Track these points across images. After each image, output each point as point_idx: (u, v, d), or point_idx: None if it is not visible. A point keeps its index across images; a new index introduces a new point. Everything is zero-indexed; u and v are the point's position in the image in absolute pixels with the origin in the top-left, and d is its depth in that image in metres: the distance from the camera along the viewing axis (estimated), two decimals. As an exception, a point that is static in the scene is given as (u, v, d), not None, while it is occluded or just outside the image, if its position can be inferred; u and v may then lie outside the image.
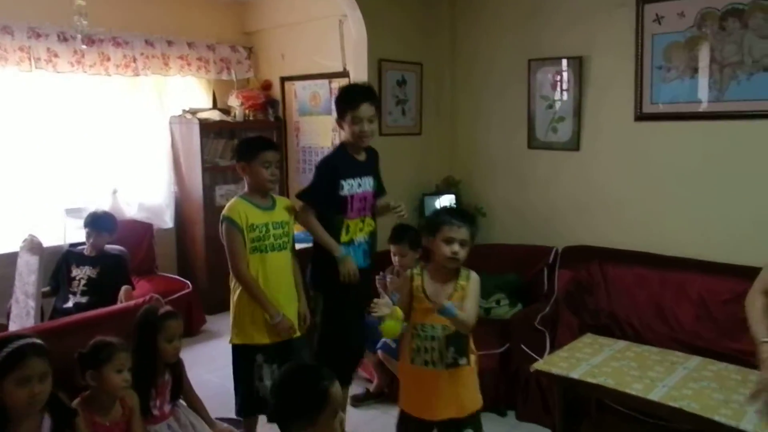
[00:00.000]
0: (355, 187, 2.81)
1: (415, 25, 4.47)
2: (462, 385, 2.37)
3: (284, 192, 5.63)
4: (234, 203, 2.74)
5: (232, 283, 2.78)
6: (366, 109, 2.75)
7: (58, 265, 3.98)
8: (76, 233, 4.47)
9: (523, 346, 3.32)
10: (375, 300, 2.37)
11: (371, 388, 3.59)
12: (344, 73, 5.07)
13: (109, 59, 4.92)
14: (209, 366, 3.98)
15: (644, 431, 2.80)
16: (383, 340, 3.34)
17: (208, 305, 4.96)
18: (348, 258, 2.76)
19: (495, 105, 4.44)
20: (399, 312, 2.34)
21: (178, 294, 4.58)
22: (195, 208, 5.35)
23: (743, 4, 3.27)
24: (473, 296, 2.37)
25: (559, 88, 4.08)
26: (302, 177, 5.64)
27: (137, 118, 5.26)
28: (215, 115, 5.43)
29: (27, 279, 3.57)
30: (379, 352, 3.42)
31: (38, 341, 2.00)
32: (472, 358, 2.41)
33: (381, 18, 4.21)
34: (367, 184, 2.87)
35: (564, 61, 4.01)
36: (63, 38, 4.62)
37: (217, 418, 2.78)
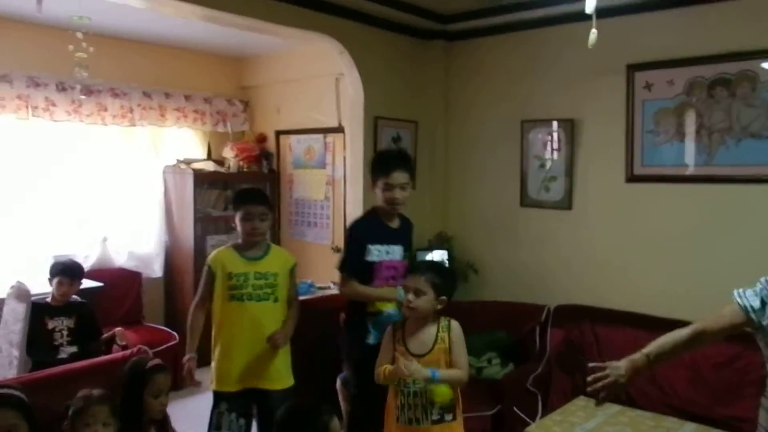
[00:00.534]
0: (383, 254, 2.75)
1: (411, 84, 4.57)
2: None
3: (275, 243, 5.60)
4: (218, 251, 2.88)
5: (213, 331, 2.84)
6: (398, 176, 2.72)
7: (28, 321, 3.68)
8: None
9: (515, 408, 3.26)
10: (404, 363, 2.27)
11: None
12: (339, 129, 5.14)
13: (106, 109, 4.97)
14: (195, 422, 3.86)
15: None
16: None
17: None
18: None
19: (488, 163, 4.50)
20: (420, 370, 2.27)
21: (165, 345, 4.49)
22: (185, 258, 5.31)
23: (730, 75, 3.39)
24: (461, 347, 2.35)
25: (551, 149, 4.15)
26: (294, 229, 5.64)
27: (131, 166, 5.28)
28: (209, 166, 5.47)
29: (12, 327, 3.49)
30: None
31: (15, 393, 1.94)
32: (459, 412, 2.37)
33: (377, 77, 4.31)
34: (396, 252, 2.79)
35: (555, 123, 4.10)
36: (61, 88, 4.68)
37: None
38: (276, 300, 2.81)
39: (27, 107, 4.53)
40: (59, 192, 4.89)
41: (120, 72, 5.05)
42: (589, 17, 2.58)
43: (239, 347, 2.76)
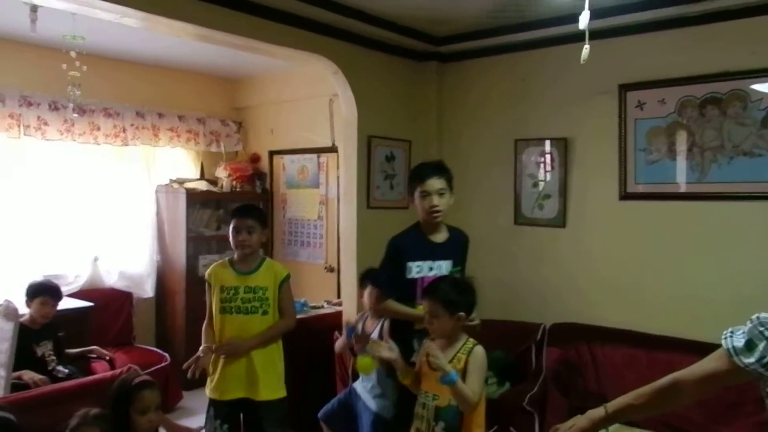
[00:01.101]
0: (426, 270, 2.65)
1: (404, 104, 4.59)
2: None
3: (268, 264, 5.59)
4: (215, 264, 3.00)
5: None
6: (434, 182, 2.66)
7: (16, 357, 3.49)
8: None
9: (511, 428, 3.23)
10: (373, 339, 2.31)
11: None
12: (333, 148, 5.14)
13: (99, 129, 4.96)
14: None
15: None
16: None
17: (186, 380, 4.75)
18: None
19: (482, 181, 4.51)
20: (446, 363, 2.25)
21: (155, 367, 4.42)
22: (177, 278, 5.27)
23: (721, 94, 3.42)
24: (477, 374, 2.29)
25: (544, 167, 4.16)
26: (288, 249, 5.61)
27: (124, 185, 5.25)
28: (202, 186, 5.45)
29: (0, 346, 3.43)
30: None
31: (4, 414, 1.90)
32: None
33: (371, 97, 4.32)
34: (442, 268, 2.68)
35: (549, 142, 4.12)
36: (54, 107, 4.67)
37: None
38: (265, 313, 2.88)
39: (19, 126, 4.52)
40: (50, 211, 4.85)
41: (113, 92, 5.05)
42: (581, 38, 2.60)
43: (226, 358, 2.85)
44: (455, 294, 2.39)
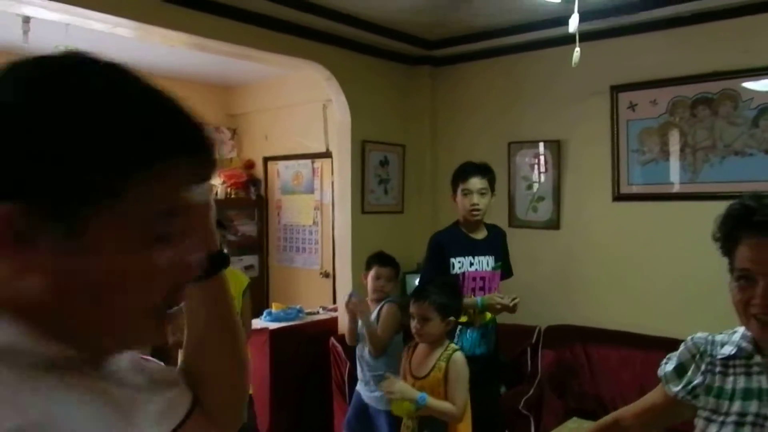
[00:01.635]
0: (467, 265, 2.75)
1: (398, 109, 4.60)
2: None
3: (264, 269, 5.58)
4: None
5: None
6: (476, 182, 2.77)
7: None
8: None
9: (507, 431, 3.23)
10: (387, 375, 2.31)
11: None
12: (327, 154, 5.15)
13: (93, 137, 4.96)
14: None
15: None
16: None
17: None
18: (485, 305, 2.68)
19: (475, 186, 4.52)
20: (408, 390, 2.26)
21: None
22: (172, 287, 5.26)
23: (712, 94, 3.44)
24: (459, 384, 2.26)
25: (538, 170, 4.18)
26: (283, 255, 5.61)
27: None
28: (197, 193, 5.45)
29: None
30: None
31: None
32: None
33: (364, 102, 4.34)
34: (484, 263, 2.78)
35: (542, 145, 4.13)
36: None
37: None
38: None
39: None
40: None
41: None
42: (572, 41, 2.63)
43: None
44: (446, 297, 2.40)
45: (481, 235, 2.85)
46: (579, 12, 2.50)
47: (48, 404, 0.51)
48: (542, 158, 4.15)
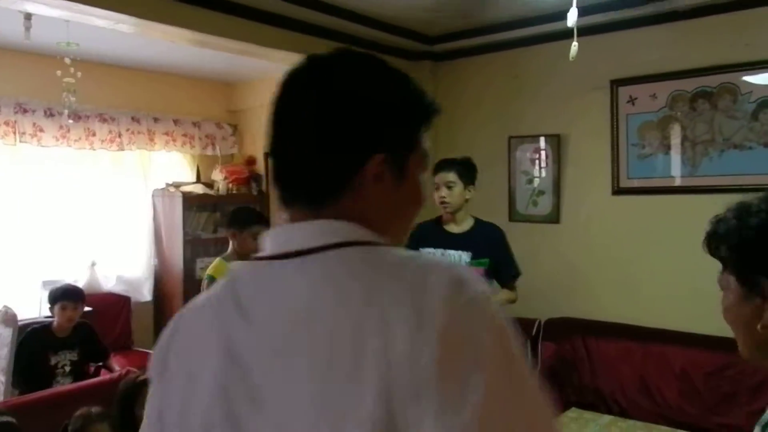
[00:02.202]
0: (438, 256, 2.76)
1: (398, 103, 4.61)
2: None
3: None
4: (217, 263, 2.96)
5: None
6: (443, 175, 2.83)
7: (26, 359, 3.47)
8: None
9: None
10: None
11: None
12: (328, 149, 5.16)
13: (94, 134, 4.97)
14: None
15: None
16: None
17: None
18: None
19: (477, 179, 4.53)
20: None
21: (155, 370, 4.44)
22: (175, 281, 5.28)
23: (711, 87, 3.45)
24: None
25: (538, 164, 4.19)
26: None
27: (120, 190, 5.27)
28: (198, 189, 5.46)
29: (-1, 353, 3.45)
30: None
31: (6, 418, 1.92)
32: None
33: (365, 96, 4.34)
34: (455, 258, 2.77)
35: (543, 139, 4.15)
36: (49, 114, 4.67)
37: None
38: None
39: (15, 133, 4.52)
40: (47, 217, 4.86)
41: (108, 97, 5.06)
42: (572, 34, 2.64)
43: None
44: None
45: (458, 229, 2.87)
46: (578, 6, 2.51)
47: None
48: (542, 153, 4.17)
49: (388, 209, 0.81)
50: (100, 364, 3.96)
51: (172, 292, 5.32)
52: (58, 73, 3.57)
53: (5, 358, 3.37)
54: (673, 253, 3.63)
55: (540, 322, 3.94)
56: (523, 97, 4.26)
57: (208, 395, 0.71)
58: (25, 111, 4.58)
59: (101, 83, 4.97)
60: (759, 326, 0.97)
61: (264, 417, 0.68)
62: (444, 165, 2.88)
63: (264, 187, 5.82)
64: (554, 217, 4.11)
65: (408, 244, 2.82)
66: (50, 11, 3.03)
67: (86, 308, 4.60)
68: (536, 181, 4.20)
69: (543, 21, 3.84)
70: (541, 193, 4.17)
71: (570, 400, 3.39)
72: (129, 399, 2.42)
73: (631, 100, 3.73)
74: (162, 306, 5.45)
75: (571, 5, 2.55)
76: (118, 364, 4.11)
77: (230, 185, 5.57)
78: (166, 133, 5.44)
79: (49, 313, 3.90)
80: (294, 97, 0.86)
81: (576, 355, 3.68)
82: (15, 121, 4.52)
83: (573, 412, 3.12)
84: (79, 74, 3.66)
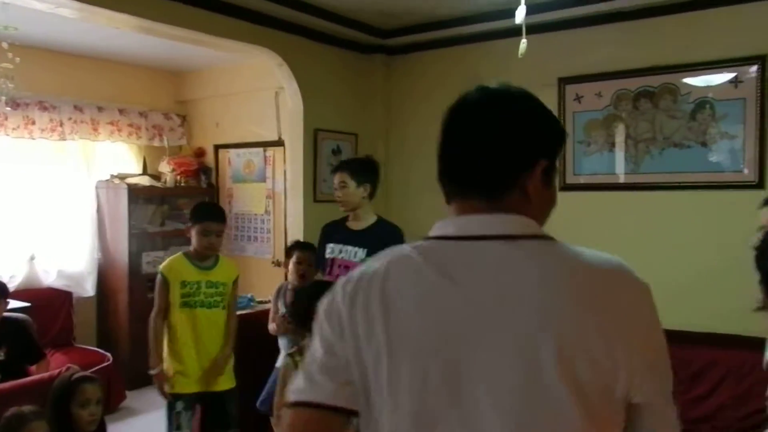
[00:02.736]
0: (337, 252, 2.93)
1: (351, 97, 4.60)
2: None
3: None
4: (172, 259, 3.01)
5: (165, 337, 2.95)
6: (337, 176, 2.97)
7: None
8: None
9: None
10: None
11: None
12: (279, 142, 5.11)
13: (34, 123, 4.78)
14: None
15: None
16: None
17: (129, 379, 4.69)
18: None
19: (429, 174, 4.53)
20: None
21: (97, 367, 4.30)
22: (119, 276, 5.14)
23: (653, 87, 3.57)
24: None
25: (488, 160, 4.25)
26: (234, 244, 5.55)
27: (61, 182, 5.09)
28: (145, 181, 5.33)
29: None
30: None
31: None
32: None
33: (317, 90, 4.32)
34: (352, 254, 2.89)
35: (492, 135, 4.20)
36: (-14, 99, 4.48)
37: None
38: (224, 308, 3.02)
39: (-52, 120, 4.32)
40: (-17, 209, 4.66)
41: (49, 84, 4.88)
42: (521, 32, 2.68)
43: (191, 352, 2.92)
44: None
45: (358, 226, 2.98)
46: (526, 4, 2.55)
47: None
48: (492, 148, 4.22)
49: (540, 206, 1.00)
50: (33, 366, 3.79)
51: (116, 287, 5.18)
52: (-5, 57, 3.42)
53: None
54: (619, 249, 3.72)
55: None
56: (475, 93, 4.30)
57: (423, 326, 0.90)
58: (-42, 97, 4.37)
59: (42, 69, 4.78)
60: None
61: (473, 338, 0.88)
62: (339, 166, 3.06)
63: (214, 180, 5.72)
64: (503, 212, 4.17)
65: (320, 239, 3.01)
66: (-14, -8, 2.90)
67: (24, 304, 4.44)
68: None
69: (494, 18, 3.88)
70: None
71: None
72: (64, 395, 2.34)
73: (578, 98, 3.82)
74: (105, 301, 5.30)
75: (518, 2, 2.59)
76: (57, 363, 3.97)
77: (178, 177, 5.46)
78: (111, 123, 5.29)
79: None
80: (477, 114, 1.05)
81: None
82: (-52, 108, 4.32)
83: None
84: (17, 59, 3.51)
